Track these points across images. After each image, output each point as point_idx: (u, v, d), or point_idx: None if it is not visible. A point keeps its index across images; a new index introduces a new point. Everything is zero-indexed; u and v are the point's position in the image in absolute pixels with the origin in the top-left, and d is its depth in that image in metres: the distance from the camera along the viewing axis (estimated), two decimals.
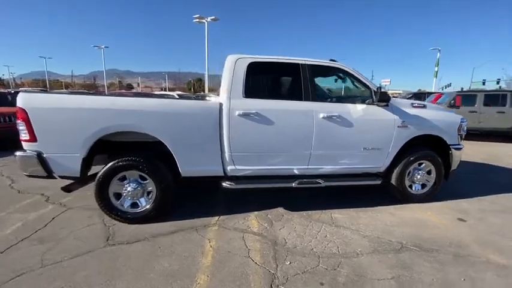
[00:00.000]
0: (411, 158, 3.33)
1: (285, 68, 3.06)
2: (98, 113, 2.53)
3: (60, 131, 2.52)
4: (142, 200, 2.83)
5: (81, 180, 2.75)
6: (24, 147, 2.57)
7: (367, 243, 2.54)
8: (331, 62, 3.23)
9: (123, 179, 2.77)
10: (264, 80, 3.23)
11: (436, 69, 27.88)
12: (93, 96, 2.78)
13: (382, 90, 2.94)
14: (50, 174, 2.59)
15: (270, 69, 3.07)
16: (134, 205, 2.83)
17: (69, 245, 2.41)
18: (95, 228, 2.73)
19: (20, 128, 2.51)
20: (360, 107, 3.12)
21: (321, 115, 2.97)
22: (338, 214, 3.16)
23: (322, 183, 3.11)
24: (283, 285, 1.95)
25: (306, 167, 3.10)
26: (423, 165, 3.44)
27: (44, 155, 2.54)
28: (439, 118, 3.38)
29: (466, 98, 8.57)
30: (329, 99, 3.26)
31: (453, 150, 3.46)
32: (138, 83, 79.57)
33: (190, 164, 2.83)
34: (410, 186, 3.48)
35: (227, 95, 2.81)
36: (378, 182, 3.32)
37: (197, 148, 2.81)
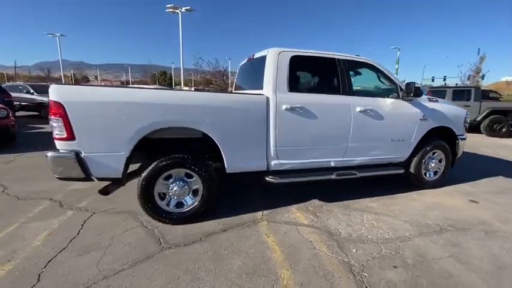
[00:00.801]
0: (428, 148, 3.65)
1: (323, 63, 3.11)
2: (149, 108, 2.32)
3: (103, 127, 2.26)
4: (187, 199, 2.68)
5: (121, 180, 2.50)
6: (59, 147, 2.26)
7: (410, 227, 2.75)
8: (360, 57, 3.36)
9: (168, 177, 2.59)
10: (305, 74, 3.25)
11: (396, 66, 30.35)
12: (143, 90, 2.52)
13: (416, 85, 3.16)
14: (87, 176, 2.32)
15: (310, 63, 3.09)
16: (179, 205, 2.68)
17: (120, 252, 2.21)
18: (137, 232, 2.53)
19: (54, 124, 2.20)
20: (389, 101, 3.31)
21: (358, 109, 3.09)
22: (370, 203, 3.34)
23: (357, 174, 3.25)
24: (363, 271, 2.04)
25: (342, 159, 3.22)
26: (436, 154, 3.79)
27: (83, 155, 2.26)
28: (449, 111, 3.74)
29: (437, 93, 9.53)
30: (358, 94, 3.37)
31: (459, 140, 3.86)
32: (96, 75, 72.77)
33: (237, 160, 2.75)
34: (425, 174, 3.82)
35: (273, 89, 2.78)
36: (402, 171, 3.58)
37: (245, 143, 2.75)
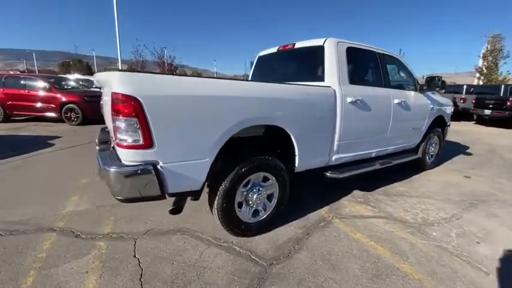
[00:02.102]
0: (431, 135, 4.17)
1: (369, 55, 3.14)
2: (243, 103, 1.91)
3: (188, 129, 1.74)
4: (263, 205, 2.37)
5: (198, 193, 2.01)
6: (128, 158, 1.65)
7: (451, 205, 3.11)
8: (391, 52, 3.54)
9: (245, 184, 2.23)
10: (357, 66, 3.18)
11: None
12: (232, 81, 2.01)
13: (443, 79, 3.52)
14: (162, 194, 1.77)
15: (360, 55, 3.06)
16: (255, 213, 2.35)
17: (223, 281, 1.81)
18: (218, 253, 2.11)
19: (123, 126, 1.58)
20: (412, 93, 3.61)
21: (395, 101, 3.27)
22: (400, 187, 3.63)
23: (392, 162, 3.47)
24: (462, 252, 2.20)
25: (381, 149, 3.37)
26: (433, 139, 4.36)
27: (160, 166, 1.71)
28: (444, 102, 4.33)
29: None
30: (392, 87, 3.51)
31: (447, 127, 4.55)
32: None
33: (308, 157, 2.56)
34: (426, 157, 4.36)
35: (338, 81, 2.66)
36: (417, 156, 4.00)
37: (317, 138, 2.58)
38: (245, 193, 2.24)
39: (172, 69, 17.43)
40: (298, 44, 3.11)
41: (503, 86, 10.81)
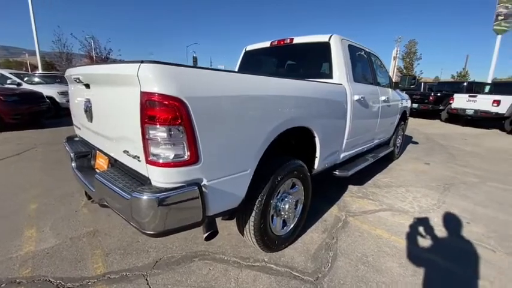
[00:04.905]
0: (399, 127, 4.61)
1: (362, 53, 3.20)
2: (289, 102, 1.67)
3: (235, 136, 1.42)
4: (290, 215, 2.17)
5: (235, 212, 1.69)
6: (165, 179, 1.23)
7: (431, 191, 3.47)
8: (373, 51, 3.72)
9: (277, 193, 2.00)
10: (356, 64, 3.16)
11: None
12: (280, 78, 1.67)
13: (417, 78, 3.85)
14: (203, 219, 1.42)
15: (357, 53, 3.08)
16: (283, 224, 2.14)
17: None
18: (254, 276, 1.84)
19: (161, 138, 1.18)
20: (390, 91, 3.89)
21: (382, 98, 3.46)
22: (384, 179, 3.89)
23: (379, 155, 3.69)
24: (462, 233, 2.44)
25: (370, 144, 3.55)
26: (399, 132, 4.84)
27: (204, 184, 1.35)
28: (406, 98, 4.83)
29: None
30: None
31: (407, 120, 5.11)
32: None
33: (325, 158, 2.47)
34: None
35: (347, 79, 2.64)
36: (391, 149, 4.36)
37: (334, 138, 2.52)
38: (276, 204, 2.01)
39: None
40: (297, 40, 2.98)
41: (422, 83, 12.90)
